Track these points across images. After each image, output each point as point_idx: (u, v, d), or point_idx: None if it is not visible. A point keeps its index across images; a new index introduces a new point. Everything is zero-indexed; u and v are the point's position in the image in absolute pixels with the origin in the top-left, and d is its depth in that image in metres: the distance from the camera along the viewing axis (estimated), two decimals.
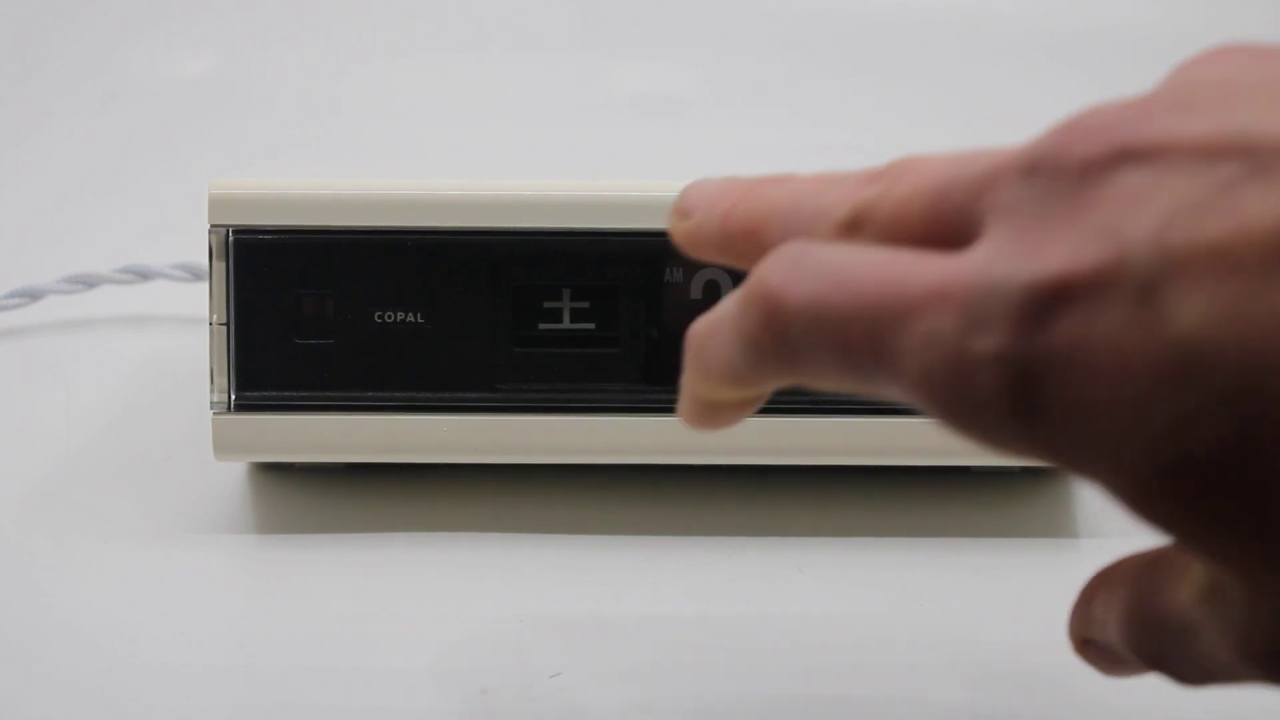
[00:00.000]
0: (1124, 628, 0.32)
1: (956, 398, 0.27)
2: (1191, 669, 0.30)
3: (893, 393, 0.29)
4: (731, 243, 0.34)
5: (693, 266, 0.46)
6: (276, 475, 0.50)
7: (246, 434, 0.46)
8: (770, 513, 0.48)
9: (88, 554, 0.46)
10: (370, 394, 0.46)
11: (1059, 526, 0.48)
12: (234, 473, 0.50)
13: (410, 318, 0.46)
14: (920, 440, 0.45)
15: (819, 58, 0.86)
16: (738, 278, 0.46)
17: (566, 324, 0.47)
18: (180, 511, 0.48)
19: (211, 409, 0.46)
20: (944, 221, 0.29)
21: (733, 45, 0.87)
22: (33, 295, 0.58)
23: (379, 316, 0.46)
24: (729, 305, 0.31)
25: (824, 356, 0.29)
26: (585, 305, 0.47)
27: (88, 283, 0.59)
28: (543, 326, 0.47)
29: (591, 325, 0.46)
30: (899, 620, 0.44)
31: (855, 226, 0.31)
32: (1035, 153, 0.28)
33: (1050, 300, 0.26)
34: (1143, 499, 0.26)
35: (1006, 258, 0.27)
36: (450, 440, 0.47)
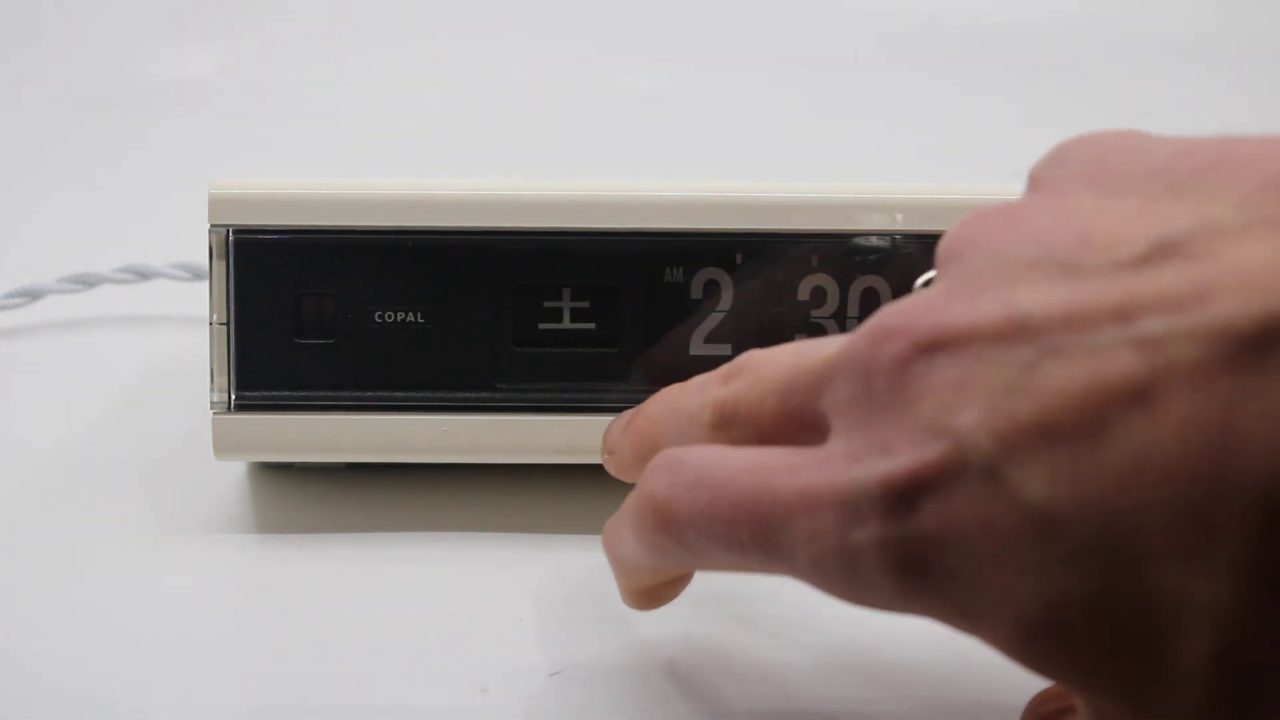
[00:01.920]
0: None
1: (849, 580, 0.31)
2: None
3: (784, 574, 0.32)
4: (643, 459, 0.38)
5: (693, 266, 0.46)
6: (276, 475, 0.50)
7: (246, 434, 0.46)
8: None
9: (88, 554, 0.46)
10: (370, 394, 0.46)
11: None
12: (234, 473, 0.50)
13: (410, 318, 0.46)
14: None
15: (819, 57, 0.86)
16: (737, 276, 0.46)
17: (566, 324, 0.47)
18: (180, 511, 0.48)
19: (211, 409, 0.46)
20: (793, 417, 0.34)
21: (733, 45, 0.87)
22: (33, 295, 0.58)
23: (379, 316, 0.46)
24: (628, 511, 0.36)
25: (719, 554, 0.33)
26: (585, 305, 0.47)
27: (88, 283, 0.59)
28: (543, 326, 0.47)
29: (591, 325, 0.46)
30: (899, 620, 0.44)
31: (722, 426, 0.36)
32: (854, 354, 0.32)
33: (908, 491, 0.29)
34: (1023, 647, 0.29)
35: (859, 456, 0.31)
36: (450, 440, 0.47)
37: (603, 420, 0.47)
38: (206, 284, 0.46)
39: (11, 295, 0.58)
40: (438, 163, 0.73)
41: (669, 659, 0.42)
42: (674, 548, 0.34)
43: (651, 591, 0.39)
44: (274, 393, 0.46)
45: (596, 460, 0.47)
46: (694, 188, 0.47)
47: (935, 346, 0.30)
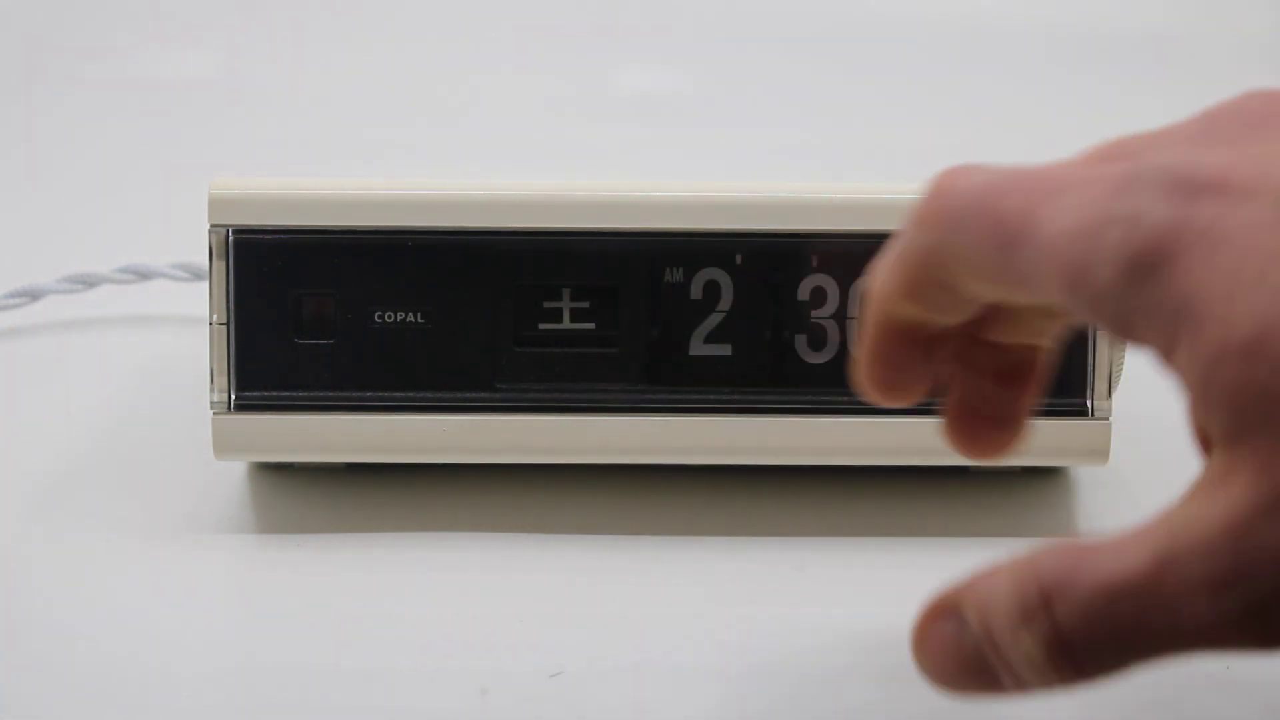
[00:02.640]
0: (1022, 585, 0.33)
1: (1085, 250, 0.30)
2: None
3: (1025, 263, 0.31)
4: None
5: (693, 266, 0.46)
6: (276, 475, 0.50)
7: (246, 434, 0.46)
8: (770, 513, 0.48)
9: (88, 554, 0.46)
10: (370, 394, 0.46)
11: (1059, 526, 0.48)
12: (234, 473, 0.50)
13: (410, 318, 0.46)
14: (920, 440, 0.45)
15: (818, 56, 0.86)
16: (737, 277, 0.46)
17: (566, 324, 0.47)
18: (180, 511, 0.48)
19: (211, 409, 0.46)
20: (1110, 158, 0.33)
21: (733, 45, 0.87)
22: (33, 295, 0.58)
23: (379, 316, 0.46)
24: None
25: (973, 234, 0.32)
26: (585, 305, 0.47)
27: (88, 283, 0.59)
28: (543, 326, 0.47)
29: (591, 325, 0.46)
30: (899, 620, 0.44)
31: None
32: (1216, 107, 0.33)
33: (1203, 188, 0.30)
34: (1208, 360, 0.29)
35: (1167, 155, 0.31)
36: (450, 440, 0.47)
37: (603, 420, 0.47)
38: (206, 284, 0.46)
39: (11, 295, 0.58)
40: (437, 163, 0.73)
41: (669, 659, 0.42)
42: (933, 229, 0.33)
43: (896, 363, 0.36)
44: (274, 393, 0.46)
45: (595, 460, 0.47)
46: (694, 188, 0.47)
47: None
